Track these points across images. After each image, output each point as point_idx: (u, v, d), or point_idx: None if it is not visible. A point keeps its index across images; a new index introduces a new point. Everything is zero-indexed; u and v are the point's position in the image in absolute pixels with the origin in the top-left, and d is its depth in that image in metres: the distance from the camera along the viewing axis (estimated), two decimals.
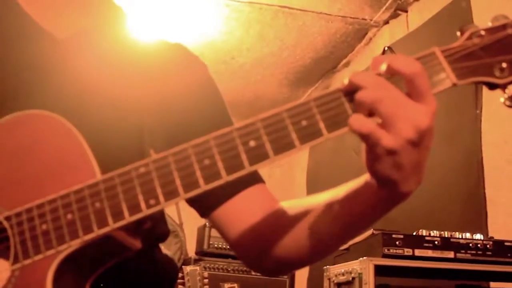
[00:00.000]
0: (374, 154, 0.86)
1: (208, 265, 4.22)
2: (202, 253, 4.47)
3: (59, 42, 1.19)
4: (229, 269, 4.32)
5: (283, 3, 4.09)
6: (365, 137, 0.84)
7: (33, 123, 0.99)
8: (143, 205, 0.88)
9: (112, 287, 1.05)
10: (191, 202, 1.20)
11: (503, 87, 0.86)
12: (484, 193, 2.99)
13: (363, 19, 4.25)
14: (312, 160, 5.61)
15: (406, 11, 4.09)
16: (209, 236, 4.45)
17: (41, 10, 1.22)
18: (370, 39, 4.58)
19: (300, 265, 1.19)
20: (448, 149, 3.28)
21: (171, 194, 0.88)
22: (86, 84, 1.15)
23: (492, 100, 3.02)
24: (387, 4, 4.05)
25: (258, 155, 0.87)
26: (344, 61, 4.97)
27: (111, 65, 1.21)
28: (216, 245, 4.43)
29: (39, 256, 0.91)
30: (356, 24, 4.31)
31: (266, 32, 4.47)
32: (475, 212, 3.00)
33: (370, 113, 0.84)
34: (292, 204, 1.14)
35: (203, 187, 0.87)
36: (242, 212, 1.17)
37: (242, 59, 4.90)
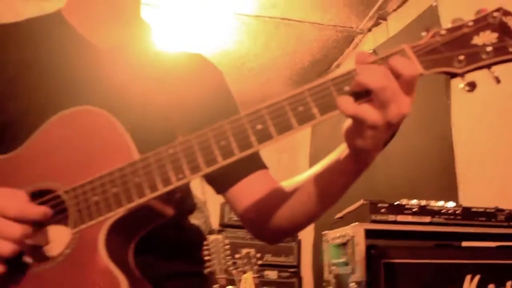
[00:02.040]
0: (358, 127, 0.88)
1: (229, 234, 4.23)
2: (223, 225, 4.50)
3: (101, 52, 1.20)
4: (246, 238, 4.32)
5: (284, 16, 4.08)
6: (351, 115, 0.86)
7: (83, 116, 1.00)
8: (173, 178, 0.90)
9: (151, 249, 1.06)
10: (210, 182, 1.23)
11: (462, 75, 0.87)
12: (455, 168, 3.00)
13: (350, 27, 4.23)
14: (313, 146, 5.59)
15: (386, 20, 4.06)
16: (229, 211, 4.46)
17: (85, 24, 1.22)
18: (357, 44, 4.55)
19: (293, 231, 1.21)
20: (424, 133, 3.29)
21: (195, 169, 0.89)
22: (123, 86, 1.16)
23: (461, 91, 3.02)
24: (370, 14, 4.02)
25: (264, 136, 0.88)
26: (336, 63, 4.94)
27: (143, 71, 1.22)
28: (235, 219, 4.43)
29: (92, 222, 0.93)
30: (345, 31, 4.29)
31: (270, 41, 4.45)
32: (448, 184, 3.01)
33: (360, 94, 0.86)
34: (289, 183, 1.16)
35: (221, 162, 0.89)
36: (248, 191, 1.19)
37: (251, 64, 4.88)
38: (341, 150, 1.00)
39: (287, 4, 3.94)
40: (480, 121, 2.92)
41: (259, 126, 0.88)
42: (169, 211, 0.99)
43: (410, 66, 0.85)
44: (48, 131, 1.02)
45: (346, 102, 0.85)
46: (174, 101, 1.19)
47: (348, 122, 0.92)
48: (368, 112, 0.85)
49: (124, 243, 0.98)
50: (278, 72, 5.06)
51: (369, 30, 4.25)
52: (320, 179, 1.07)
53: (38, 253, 0.96)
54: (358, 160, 0.98)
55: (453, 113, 3.08)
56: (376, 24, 4.16)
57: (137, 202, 0.91)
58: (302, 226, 1.17)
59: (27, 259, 0.95)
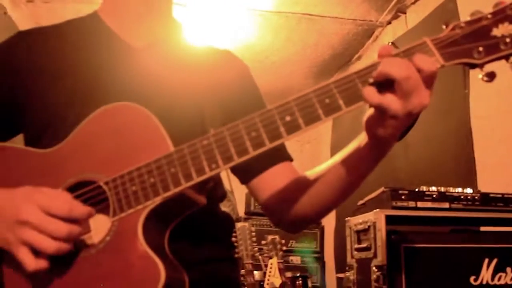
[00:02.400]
0: (380, 117, 0.90)
1: (255, 222, 4.25)
2: (249, 213, 4.52)
3: (136, 50, 1.22)
4: (271, 225, 4.33)
5: (305, 11, 4.07)
6: (375, 105, 0.87)
7: (121, 112, 1.02)
8: (207, 168, 0.91)
9: (185, 236, 1.07)
10: (235, 172, 1.25)
11: (481, 66, 0.87)
12: (474, 156, 2.98)
13: (370, 21, 4.20)
14: (335, 136, 5.57)
15: (405, 13, 4.03)
16: (255, 200, 4.47)
17: (121, 25, 1.24)
18: (377, 37, 4.51)
19: (313, 219, 1.21)
20: (444, 122, 3.27)
21: (228, 159, 0.91)
22: (157, 82, 1.18)
23: (479, 81, 2.99)
24: (389, 8, 3.99)
25: (293, 127, 0.89)
26: (356, 56, 4.91)
27: (175, 67, 1.24)
28: (260, 206, 4.44)
29: (131, 210, 0.95)
30: (365, 25, 4.26)
31: (292, 35, 4.44)
32: (467, 171, 2.99)
33: (382, 85, 0.87)
34: (310, 173, 1.17)
35: (252, 153, 0.90)
36: (271, 181, 1.21)
37: (274, 57, 4.86)
38: (360, 140, 1.02)
39: (309, 0, 3.93)
40: (497, 110, 2.89)
41: (288, 118, 0.89)
42: (202, 199, 1.01)
43: (431, 62, 0.86)
44: (88, 126, 1.04)
45: (371, 92, 0.87)
46: (204, 92, 1.21)
47: (369, 112, 0.94)
48: (391, 101, 0.86)
49: (160, 230, 1.00)
50: (300, 65, 5.04)
51: (389, 23, 4.22)
52: (340, 168, 1.08)
53: (80, 240, 0.98)
54: (377, 149, 0.99)
55: (471, 102, 3.06)
56: (395, 17, 4.12)
57: (173, 191, 0.93)
58: (321, 214, 1.18)
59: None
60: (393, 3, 3.94)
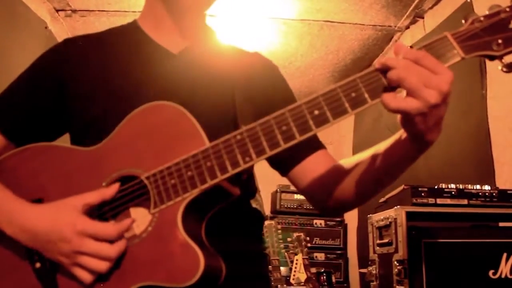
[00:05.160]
0: (408, 117, 0.89)
1: (280, 220, 4.29)
2: (275, 212, 4.54)
3: (172, 54, 1.25)
4: (296, 223, 4.40)
5: (326, 18, 4.07)
6: (394, 110, 0.87)
7: (159, 110, 1.03)
8: (241, 161, 0.94)
9: (219, 228, 1.07)
10: (275, 165, 1.26)
11: (500, 58, 0.88)
12: (492, 155, 2.96)
13: (389, 26, 4.18)
14: (356, 137, 5.56)
15: (423, 18, 4.01)
16: (280, 199, 4.51)
17: (159, 32, 1.27)
18: (396, 41, 4.45)
19: (354, 203, 1.20)
20: (462, 122, 3.25)
21: (260, 152, 0.93)
22: (192, 84, 1.20)
23: (496, 81, 3.00)
24: (407, 13, 3.97)
25: (322, 120, 0.90)
26: (376, 60, 4.90)
27: (209, 69, 1.25)
28: (285, 205, 4.49)
29: (171, 202, 0.97)
30: (384, 30, 4.24)
31: (314, 41, 4.44)
32: (485, 170, 2.97)
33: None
34: (346, 161, 1.18)
35: (283, 146, 0.92)
36: (312, 168, 1.22)
37: (298, 63, 4.86)
38: (400, 133, 1.00)
39: (330, 8, 3.94)
40: None
41: (316, 112, 0.91)
42: (237, 190, 1.03)
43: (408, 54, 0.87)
44: (128, 124, 1.07)
45: (388, 99, 0.88)
46: (237, 90, 1.23)
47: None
48: (408, 102, 0.86)
49: (198, 220, 1.03)
50: (322, 69, 5.02)
51: (407, 27, 4.19)
52: (382, 159, 1.07)
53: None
54: (418, 143, 0.97)
55: (488, 103, 3.03)
56: (413, 22, 4.10)
57: (209, 183, 0.95)
58: (362, 200, 1.17)
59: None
60: (411, 8, 3.92)
